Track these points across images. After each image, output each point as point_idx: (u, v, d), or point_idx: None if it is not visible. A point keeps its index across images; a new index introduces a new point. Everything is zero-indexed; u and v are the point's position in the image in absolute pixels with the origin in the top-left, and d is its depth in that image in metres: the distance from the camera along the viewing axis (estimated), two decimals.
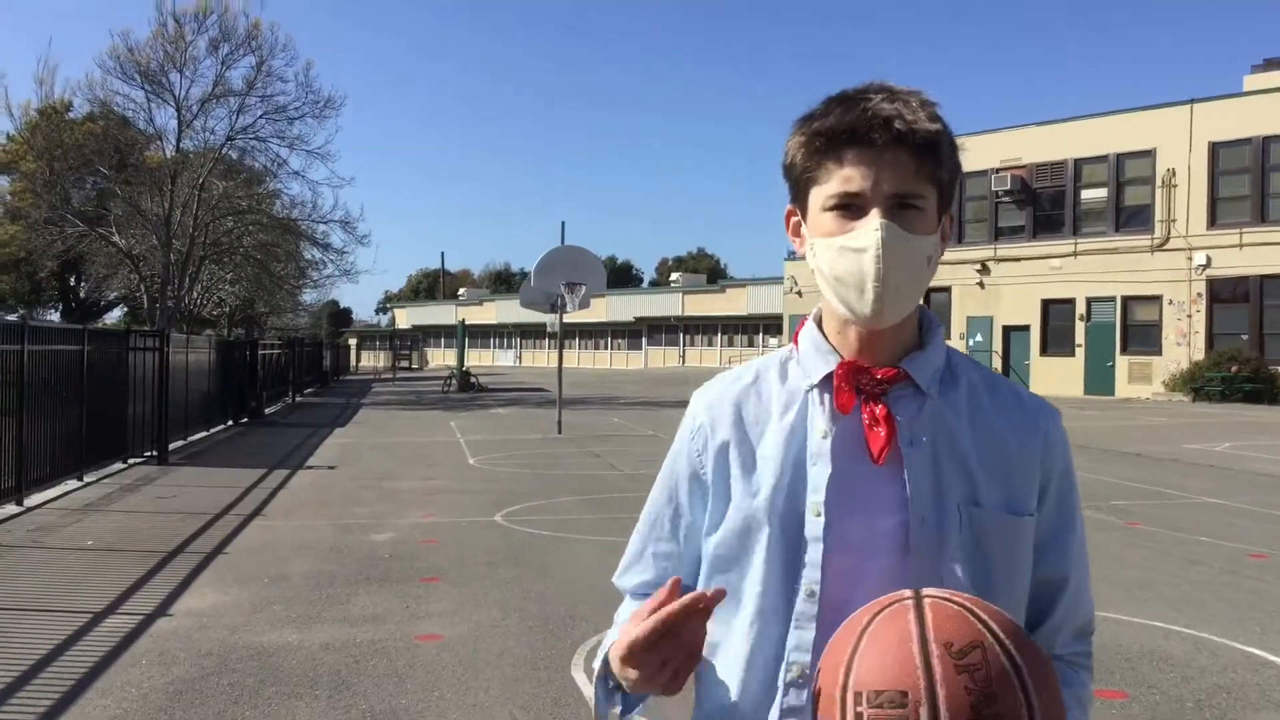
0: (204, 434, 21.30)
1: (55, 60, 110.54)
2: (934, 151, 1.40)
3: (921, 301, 1.49)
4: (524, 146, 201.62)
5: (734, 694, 1.48)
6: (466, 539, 9.94)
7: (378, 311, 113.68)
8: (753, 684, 1.46)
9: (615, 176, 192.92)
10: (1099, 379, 34.21)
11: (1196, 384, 31.01)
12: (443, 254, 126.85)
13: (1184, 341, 32.50)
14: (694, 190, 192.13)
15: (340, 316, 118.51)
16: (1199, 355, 31.96)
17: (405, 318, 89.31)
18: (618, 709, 1.49)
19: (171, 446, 18.17)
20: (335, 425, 24.35)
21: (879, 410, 1.44)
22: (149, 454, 16.24)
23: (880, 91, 1.42)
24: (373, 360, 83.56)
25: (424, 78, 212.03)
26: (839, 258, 1.41)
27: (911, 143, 1.38)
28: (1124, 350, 33.98)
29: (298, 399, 34.84)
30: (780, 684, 1.43)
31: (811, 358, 1.51)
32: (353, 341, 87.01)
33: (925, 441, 1.44)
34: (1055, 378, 35.05)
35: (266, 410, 27.68)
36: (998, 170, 36.66)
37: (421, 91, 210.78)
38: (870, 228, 1.38)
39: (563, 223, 51.25)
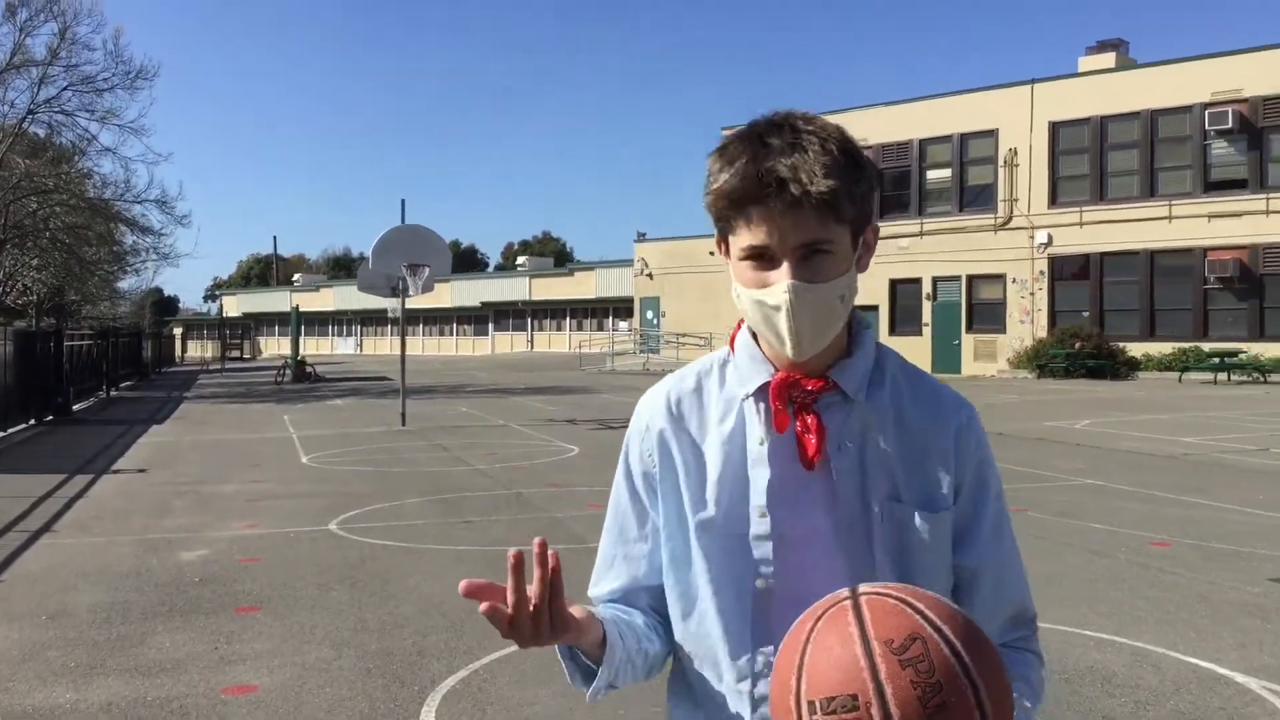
0: None
1: None
2: (833, 205, 1.42)
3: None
4: (361, 126, 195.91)
5: (703, 693, 1.56)
6: (294, 554, 8.60)
7: (206, 299, 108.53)
8: (720, 682, 1.54)
9: (457, 159, 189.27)
10: (945, 357, 34.44)
11: (1041, 361, 31.45)
12: (275, 238, 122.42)
13: (1027, 319, 32.96)
14: (538, 172, 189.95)
15: (165, 304, 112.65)
16: (1042, 333, 32.46)
17: (235, 305, 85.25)
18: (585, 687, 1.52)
19: None
20: (152, 422, 22.30)
21: (810, 420, 1.51)
22: None
23: (781, 137, 1.43)
24: (201, 351, 79.50)
25: (252, 49, 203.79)
26: (757, 310, 1.48)
27: (808, 204, 1.40)
28: (969, 329, 34.31)
29: (113, 393, 32.21)
30: (750, 677, 1.52)
31: (747, 366, 1.58)
32: (178, 331, 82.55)
33: (851, 446, 1.52)
34: (904, 356, 35.14)
35: (75, 406, 25.30)
36: None
37: (249, 64, 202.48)
38: (780, 288, 1.43)
39: (402, 200, 47.49)
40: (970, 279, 34.15)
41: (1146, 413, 20.34)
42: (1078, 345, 30.70)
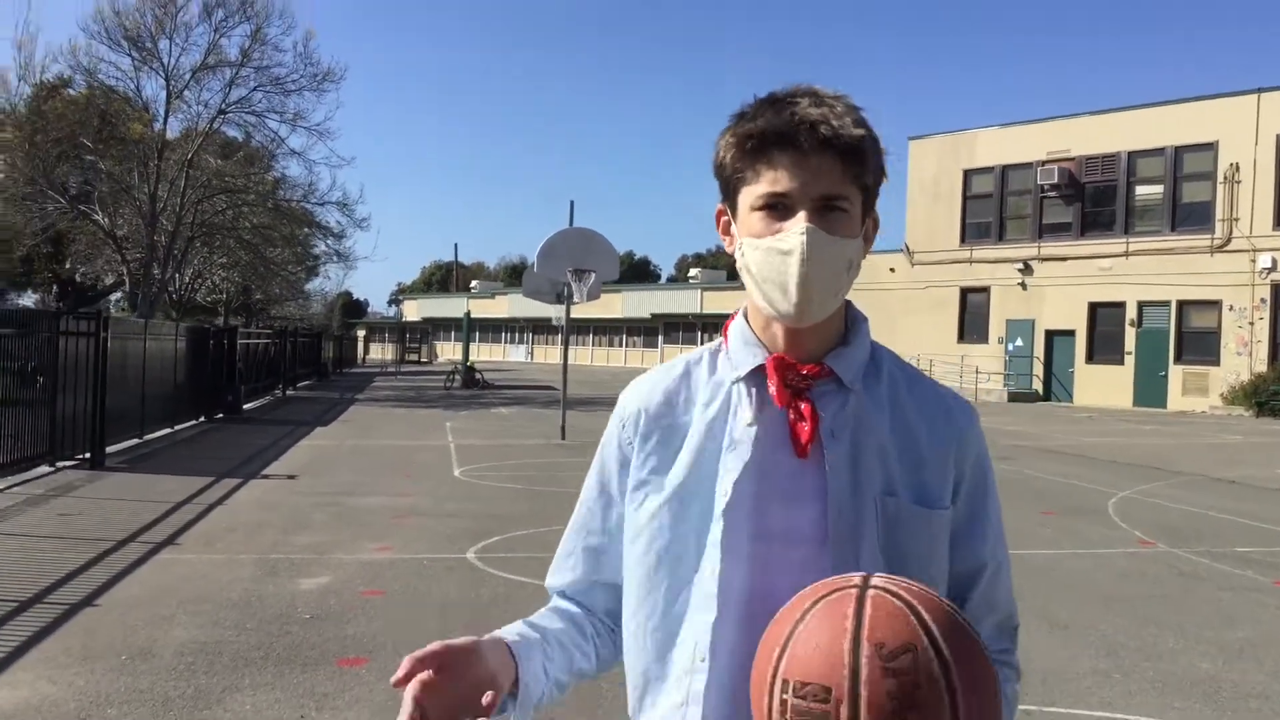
0: (166, 431, 19.08)
1: (36, 23, 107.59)
2: (858, 155, 1.42)
3: (849, 298, 1.50)
4: (541, 137, 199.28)
5: (654, 675, 1.51)
6: (422, 588, 7.63)
7: (390, 303, 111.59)
8: (671, 663, 1.49)
9: (634, 169, 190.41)
10: (1150, 390, 31.69)
11: (1260, 398, 28.47)
12: (455, 245, 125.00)
13: (1245, 351, 29.98)
14: (713, 186, 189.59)
15: (353, 308, 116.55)
16: (1261, 366, 29.45)
17: (415, 310, 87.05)
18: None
19: (119, 447, 15.99)
20: (319, 424, 22.10)
21: (804, 406, 1.47)
22: (82, 456, 13.99)
23: (807, 95, 1.44)
24: (381, 353, 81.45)
25: (437, 59, 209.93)
26: (766, 258, 1.43)
27: (837, 147, 1.40)
28: (1178, 359, 31.46)
29: (288, 393, 32.60)
30: (691, 664, 1.46)
31: (740, 351, 1.54)
32: (361, 333, 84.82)
33: (846, 436, 1.47)
34: (1102, 387, 32.59)
35: (247, 405, 25.44)
36: (1044, 163, 34.17)
37: (435, 73, 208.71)
38: (795, 231, 1.40)
39: (571, 202, 44.77)
40: (1181, 305, 31.31)
41: None
42: None
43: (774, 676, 1.19)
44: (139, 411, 17.40)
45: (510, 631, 1.51)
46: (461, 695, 1.33)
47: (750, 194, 1.45)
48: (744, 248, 1.46)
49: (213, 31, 29.76)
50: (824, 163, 1.40)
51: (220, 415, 22.62)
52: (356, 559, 8.59)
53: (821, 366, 1.48)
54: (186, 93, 30.61)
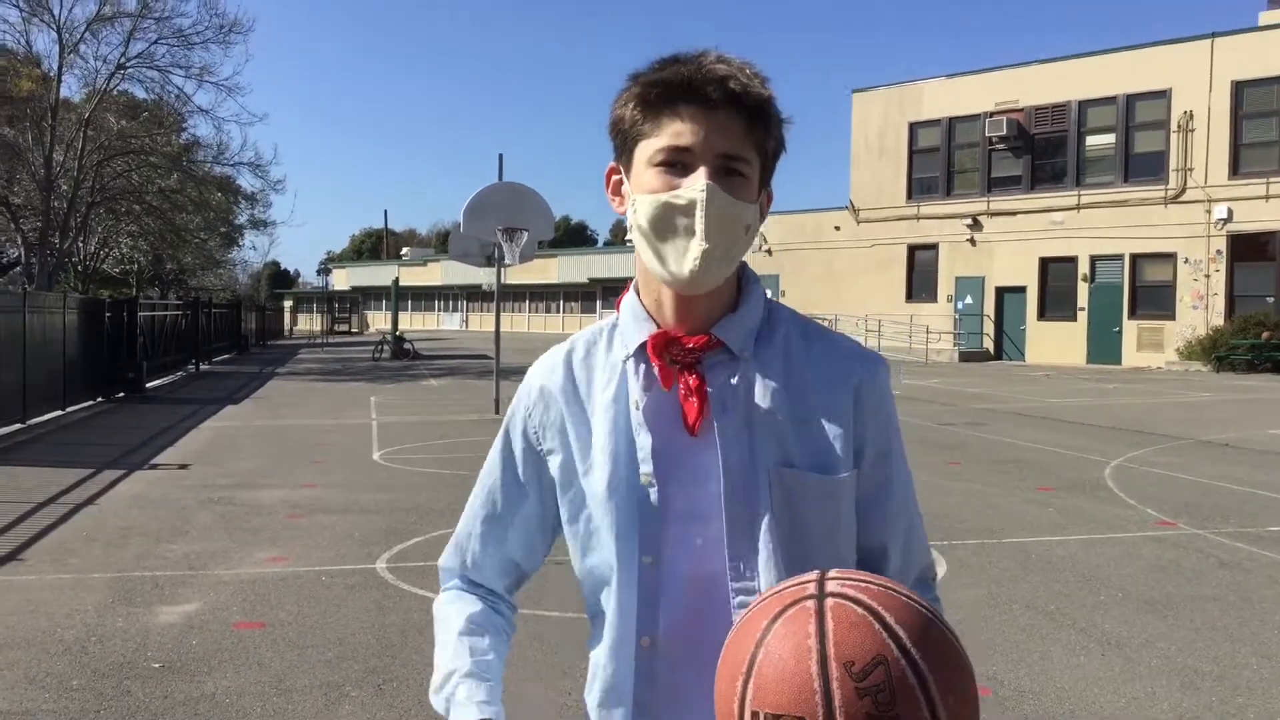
0: (55, 414, 17.20)
1: None
2: (764, 116, 1.40)
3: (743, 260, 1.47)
4: (471, 99, 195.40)
5: (609, 671, 1.48)
6: (315, 616, 6.08)
7: (318, 273, 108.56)
8: (619, 659, 1.46)
9: (569, 132, 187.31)
10: (1104, 346, 30.81)
11: (1219, 352, 27.65)
12: (385, 212, 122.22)
13: (1201, 304, 29.15)
14: None
15: (282, 278, 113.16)
16: (1218, 320, 28.64)
17: (345, 279, 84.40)
18: None
19: None
20: (229, 401, 20.29)
21: (692, 380, 1.43)
22: None
23: (714, 56, 1.40)
24: (310, 324, 78.83)
25: (358, 12, 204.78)
26: (661, 215, 1.38)
27: (744, 103, 1.37)
28: (1132, 314, 30.56)
29: (203, 367, 30.54)
30: (633, 671, 1.44)
31: (630, 327, 1.50)
32: (288, 304, 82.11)
33: (737, 408, 1.43)
34: (1055, 344, 31.66)
35: (153, 383, 23.47)
36: (991, 114, 33.01)
37: (356, 29, 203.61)
38: (696, 186, 1.36)
39: (500, 155, 41.92)
40: (1135, 258, 30.37)
41: None
42: (1265, 335, 26.84)
43: (741, 708, 1.12)
44: (19, 394, 15.53)
45: (491, 708, 1.44)
46: None
47: (648, 148, 1.40)
48: (637, 204, 1.42)
49: None
50: (730, 119, 1.37)
51: (120, 394, 20.70)
52: (238, 575, 7.01)
53: (709, 337, 1.44)
54: (82, 47, 28.28)
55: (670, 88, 1.37)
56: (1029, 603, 6.41)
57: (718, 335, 1.44)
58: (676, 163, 1.37)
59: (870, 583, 1.17)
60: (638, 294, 1.51)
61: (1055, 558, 7.56)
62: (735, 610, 1.38)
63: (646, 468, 1.43)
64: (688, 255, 1.36)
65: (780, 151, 1.45)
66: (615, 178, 1.49)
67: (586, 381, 1.52)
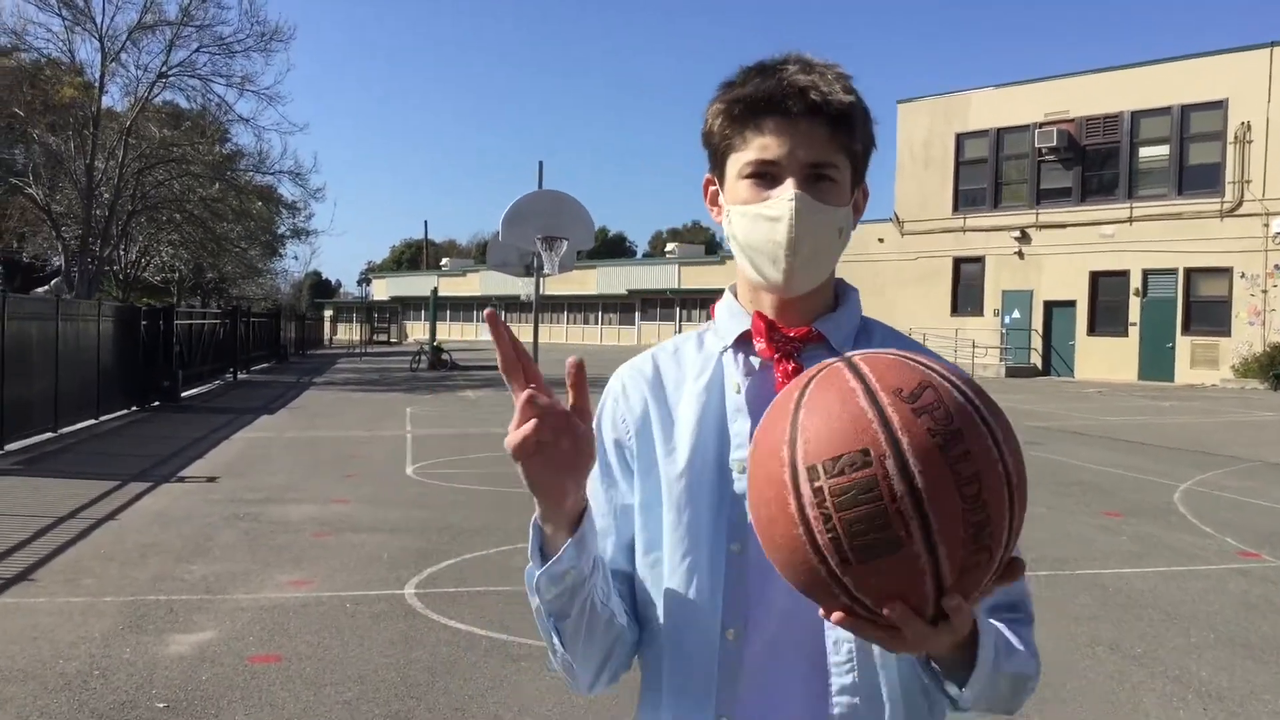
0: (88, 424, 16.96)
1: None
2: (848, 122, 1.40)
3: (836, 272, 1.48)
4: (513, 110, 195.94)
5: (684, 669, 1.41)
6: (337, 649, 5.65)
7: (359, 283, 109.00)
8: (699, 654, 1.40)
9: (608, 144, 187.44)
10: (1156, 363, 29.95)
11: (1277, 370, 26.76)
12: (425, 222, 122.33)
13: (1258, 320, 28.24)
14: (689, 161, 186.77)
15: (323, 288, 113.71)
16: (1276, 336, 27.73)
17: (384, 289, 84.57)
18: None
19: (23, 444, 14.01)
20: (265, 411, 20.00)
21: (791, 368, 1.41)
22: None
23: (797, 63, 1.41)
24: (349, 334, 78.93)
25: (400, 24, 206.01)
26: (754, 226, 1.41)
27: (826, 113, 1.38)
28: (1186, 330, 29.68)
29: (241, 377, 30.36)
30: (719, 646, 1.38)
31: (726, 324, 1.51)
32: (328, 313, 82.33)
33: None
34: (1105, 360, 30.83)
35: (189, 391, 23.27)
36: (1041, 125, 32.26)
37: (399, 39, 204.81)
38: (784, 197, 1.38)
39: (540, 163, 42.89)
40: (1189, 273, 29.52)
41: None
42: None
43: (794, 472, 1.05)
44: (50, 402, 15.29)
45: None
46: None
47: (738, 161, 1.42)
48: (731, 215, 1.44)
49: None
50: (813, 129, 1.38)
51: (155, 403, 20.49)
52: (258, 600, 6.59)
53: (810, 330, 1.45)
54: (124, 55, 28.22)
55: (753, 103, 1.39)
56: (1113, 644, 5.86)
57: (819, 329, 1.44)
58: (765, 174, 1.39)
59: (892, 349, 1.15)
60: (734, 296, 1.52)
61: (1134, 591, 7.00)
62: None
63: (741, 453, 1.39)
64: (781, 263, 1.39)
65: (871, 149, 1.46)
66: (711, 189, 1.51)
67: (676, 373, 1.51)
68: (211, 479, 11.51)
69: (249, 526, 8.86)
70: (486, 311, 1.28)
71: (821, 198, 1.38)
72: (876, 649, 1.31)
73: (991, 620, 1.28)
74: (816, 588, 1.06)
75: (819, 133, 1.38)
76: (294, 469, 12.35)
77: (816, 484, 1.03)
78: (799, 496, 1.04)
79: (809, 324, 1.44)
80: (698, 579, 1.40)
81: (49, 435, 15.20)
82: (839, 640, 1.33)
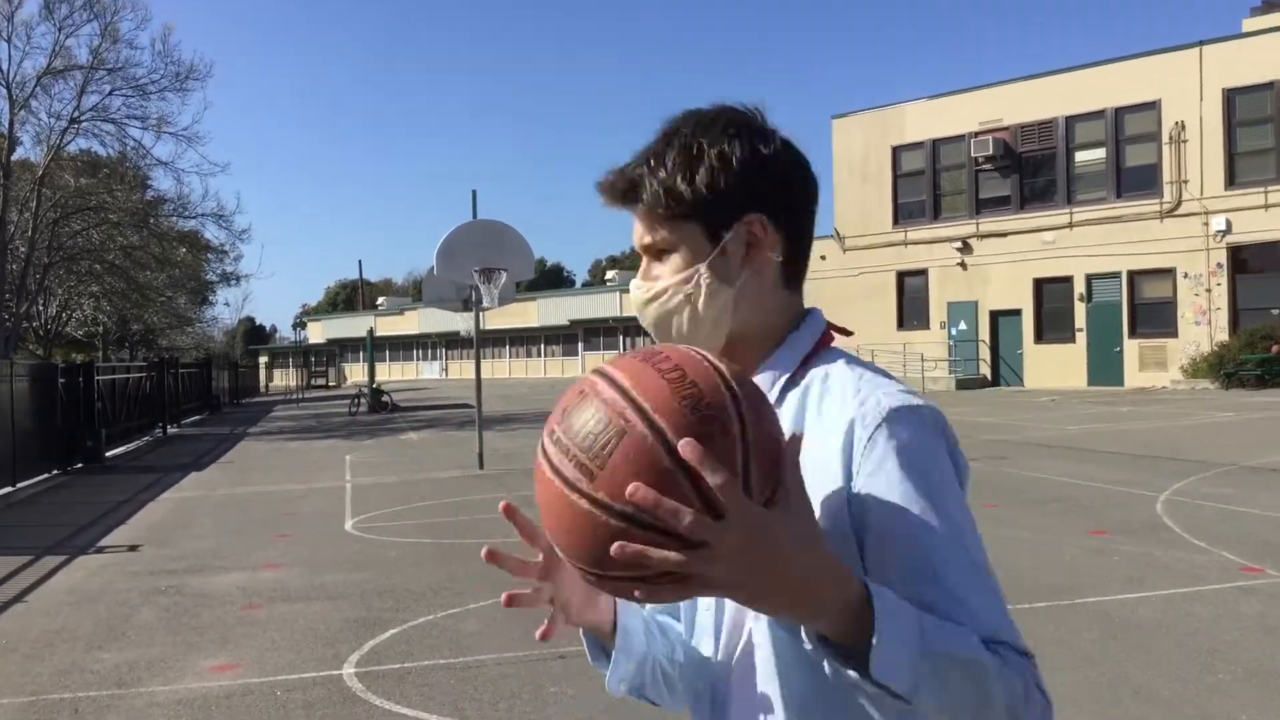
0: (5, 490, 15.91)
1: None
2: (650, 192, 1.34)
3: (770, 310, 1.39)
4: (440, 144, 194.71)
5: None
6: None
7: (294, 327, 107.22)
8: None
9: (539, 174, 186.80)
10: (1105, 368, 29.84)
11: (1227, 369, 26.70)
12: (360, 262, 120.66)
13: (1204, 320, 28.23)
14: None
15: (257, 334, 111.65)
16: (1223, 335, 27.71)
17: (320, 331, 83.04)
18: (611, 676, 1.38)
19: None
20: (194, 468, 19.01)
21: None
22: None
23: (659, 138, 1.37)
24: (286, 379, 77.36)
25: (321, 59, 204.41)
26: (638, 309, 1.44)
27: (628, 196, 1.37)
28: (1133, 333, 29.61)
29: (171, 431, 29.18)
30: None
31: None
32: (263, 360, 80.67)
33: None
34: (1054, 367, 30.68)
35: (116, 450, 22.17)
36: (976, 134, 32.20)
37: (322, 68, 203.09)
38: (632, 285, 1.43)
39: (473, 192, 41.23)
40: (1132, 275, 29.47)
41: None
42: (1275, 349, 25.92)
43: (542, 447, 1.09)
44: None
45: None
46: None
47: None
48: None
49: (57, 31, 26.37)
50: (636, 212, 1.37)
51: (79, 465, 19.41)
52: (176, 692, 5.80)
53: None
54: (34, 102, 27.13)
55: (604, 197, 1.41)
56: (1136, 687, 5.28)
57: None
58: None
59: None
60: None
61: (1142, 621, 6.44)
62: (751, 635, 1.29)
63: None
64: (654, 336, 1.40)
65: (717, 185, 1.32)
66: None
67: None
68: (133, 547, 10.63)
69: (170, 602, 8.03)
70: (484, 552, 1.32)
71: (656, 274, 1.36)
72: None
73: None
74: (591, 532, 1.02)
75: (641, 218, 1.36)
76: (222, 531, 11.48)
77: (554, 436, 1.07)
78: (545, 454, 1.07)
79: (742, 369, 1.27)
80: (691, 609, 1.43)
81: None
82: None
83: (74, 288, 32.54)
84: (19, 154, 28.77)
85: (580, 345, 61.34)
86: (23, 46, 26.38)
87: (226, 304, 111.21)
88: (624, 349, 59.00)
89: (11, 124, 26.78)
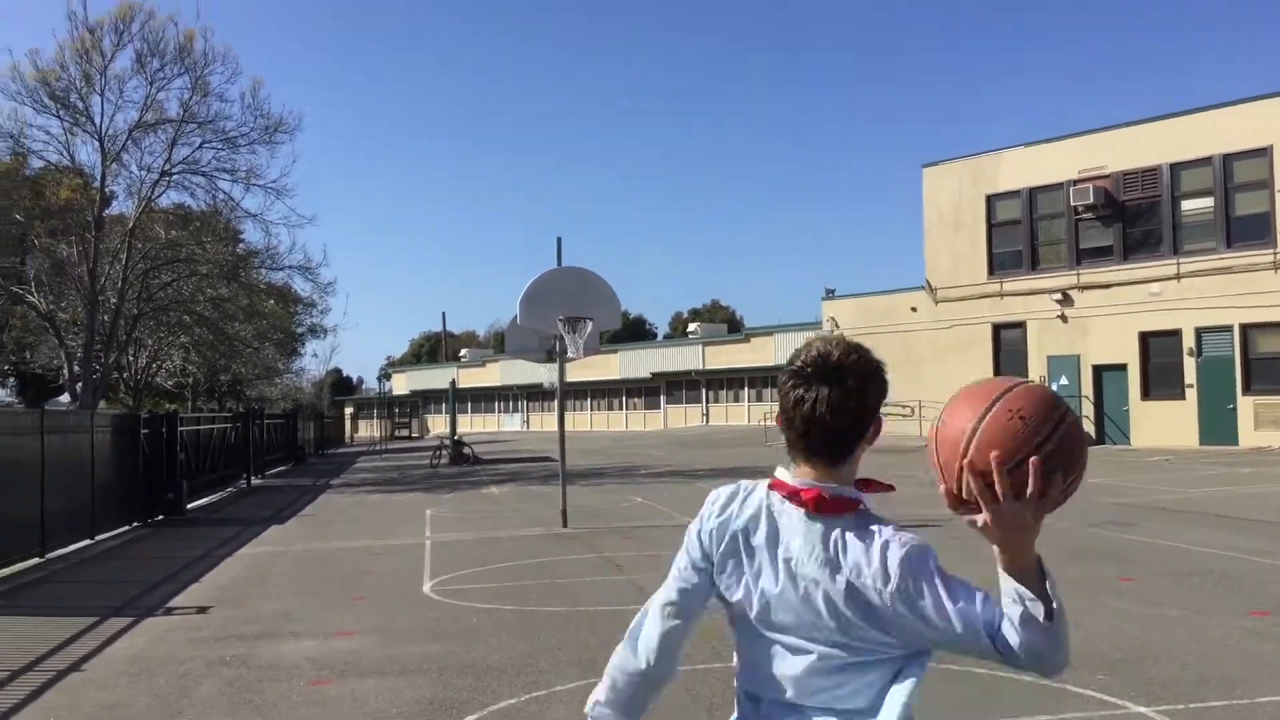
0: (84, 543, 15.62)
1: None
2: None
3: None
4: (524, 201, 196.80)
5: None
6: None
7: (379, 378, 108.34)
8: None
9: (624, 227, 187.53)
10: (1217, 425, 28.29)
11: None
12: (444, 314, 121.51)
13: None
14: (705, 240, 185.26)
15: (344, 384, 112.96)
16: None
17: (404, 383, 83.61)
18: None
19: (6, 571, 12.60)
20: (275, 521, 18.62)
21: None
22: None
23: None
24: (370, 430, 77.83)
25: (409, 113, 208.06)
26: None
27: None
28: (1247, 389, 28.07)
29: (255, 482, 29.04)
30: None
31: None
32: (349, 410, 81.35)
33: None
34: (1162, 425, 29.18)
35: (198, 502, 21.94)
36: (1076, 182, 31.06)
37: (410, 121, 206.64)
38: None
39: (559, 239, 41.82)
40: (1245, 329, 28.00)
41: None
42: None
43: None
44: (36, 524, 13.96)
45: None
46: None
47: None
48: None
49: (148, 85, 26.68)
50: None
51: (159, 517, 19.15)
52: None
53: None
54: (125, 155, 27.45)
55: None
56: None
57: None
58: None
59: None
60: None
61: None
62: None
63: None
64: None
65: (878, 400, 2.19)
66: None
67: None
68: (203, 609, 10.10)
69: (234, 675, 7.42)
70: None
71: None
72: None
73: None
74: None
75: None
76: (297, 591, 10.92)
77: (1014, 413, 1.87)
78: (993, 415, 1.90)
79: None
80: None
81: (36, 561, 13.85)
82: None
83: (163, 338, 32.80)
84: (113, 208, 29.22)
85: (662, 398, 60.66)
86: (115, 100, 26.75)
87: (315, 355, 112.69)
88: (706, 403, 58.30)
89: (103, 177, 27.10)
